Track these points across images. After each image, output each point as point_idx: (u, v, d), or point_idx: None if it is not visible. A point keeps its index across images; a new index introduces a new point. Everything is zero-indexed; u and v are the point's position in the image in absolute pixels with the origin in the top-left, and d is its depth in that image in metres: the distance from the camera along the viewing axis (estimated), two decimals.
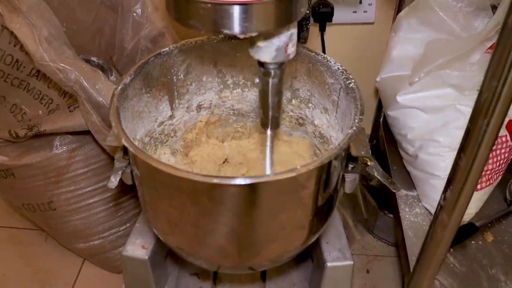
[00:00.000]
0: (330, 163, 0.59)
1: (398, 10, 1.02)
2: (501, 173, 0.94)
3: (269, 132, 0.67)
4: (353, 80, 0.70)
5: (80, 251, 1.05)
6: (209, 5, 0.49)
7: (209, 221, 0.61)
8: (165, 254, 0.89)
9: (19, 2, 0.78)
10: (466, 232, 0.89)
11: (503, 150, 0.89)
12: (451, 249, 0.88)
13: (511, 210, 0.94)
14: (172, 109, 0.84)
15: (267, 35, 0.56)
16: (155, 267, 0.84)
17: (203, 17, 0.51)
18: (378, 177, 0.73)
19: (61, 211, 0.98)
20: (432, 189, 0.92)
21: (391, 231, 1.11)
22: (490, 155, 0.88)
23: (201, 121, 0.89)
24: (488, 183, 0.90)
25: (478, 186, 0.90)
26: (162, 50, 0.76)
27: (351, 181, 0.74)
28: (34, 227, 1.14)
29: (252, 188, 0.55)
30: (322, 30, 1.06)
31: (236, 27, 0.51)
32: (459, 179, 0.62)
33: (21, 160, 0.92)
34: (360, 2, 1.04)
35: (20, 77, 0.91)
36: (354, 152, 0.70)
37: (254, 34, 0.53)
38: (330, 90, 0.76)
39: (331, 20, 1.05)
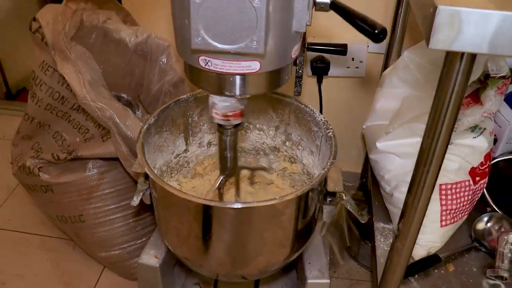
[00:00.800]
0: (305, 195, 0.76)
1: (384, 68, 1.19)
2: (466, 212, 1.08)
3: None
4: (331, 130, 0.87)
5: (102, 259, 1.22)
6: (214, 74, 0.67)
7: (206, 235, 0.78)
8: (173, 264, 1.05)
9: (70, 52, 0.98)
10: (430, 262, 1.03)
11: (466, 193, 1.04)
12: (416, 276, 1.02)
13: (473, 246, 1.08)
14: (186, 144, 1.02)
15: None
16: (164, 275, 1.01)
17: (210, 82, 0.69)
18: (350, 209, 0.90)
19: (89, 224, 1.15)
20: None
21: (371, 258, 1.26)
22: (454, 197, 1.04)
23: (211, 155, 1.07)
24: (452, 220, 1.05)
25: (443, 223, 1.05)
26: (181, 97, 0.95)
27: (328, 211, 0.90)
28: (64, 237, 1.31)
29: (239, 211, 0.72)
30: (320, 82, 1.24)
31: (239, 90, 0.69)
32: (408, 214, 0.78)
33: (59, 179, 1.10)
34: (353, 59, 1.21)
35: (64, 110, 1.10)
36: (330, 188, 0.86)
37: (247, 96, 0.70)
38: (315, 137, 0.93)
39: (327, 74, 1.22)
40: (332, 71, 1.23)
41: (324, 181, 0.85)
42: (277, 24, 0.62)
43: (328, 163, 0.80)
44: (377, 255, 1.05)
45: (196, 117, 1.00)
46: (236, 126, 0.78)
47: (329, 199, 0.90)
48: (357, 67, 1.22)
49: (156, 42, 1.13)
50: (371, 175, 1.24)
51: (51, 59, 1.02)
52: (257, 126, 1.04)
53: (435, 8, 0.52)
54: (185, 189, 1.02)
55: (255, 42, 0.60)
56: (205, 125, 1.03)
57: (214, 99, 0.73)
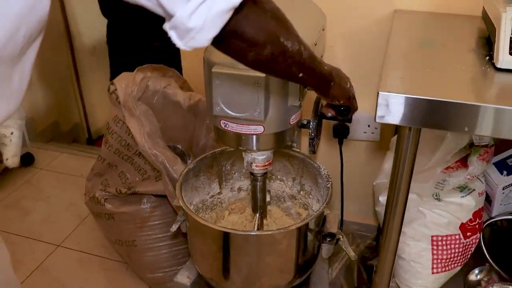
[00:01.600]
0: (298, 230, 0.96)
1: (395, 133, 1.39)
2: (458, 264, 1.23)
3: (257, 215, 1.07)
4: (330, 182, 1.08)
5: (148, 280, 1.46)
6: (232, 133, 0.92)
7: (223, 257, 1.00)
8: (203, 285, 1.27)
9: (136, 110, 1.27)
10: None
11: (456, 246, 1.20)
12: None
13: None
14: (220, 188, 1.26)
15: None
16: None
17: (230, 140, 0.94)
18: (344, 248, 1.08)
19: (140, 248, 1.40)
20: (401, 269, 1.23)
21: None
22: (444, 248, 1.20)
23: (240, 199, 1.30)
24: (444, 269, 1.21)
25: (434, 270, 1.20)
26: (216, 150, 1.20)
27: (326, 249, 1.10)
28: (120, 260, 1.58)
29: (246, 237, 0.94)
30: (340, 144, 1.45)
31: (251, 146, 0.93)
32: (382, 253, 0.96)
33: (120, 209, 1.37)
34: (369, 126, 1.42)
35: (128, 154, 1.39)
36: (326, 229, 1.07)
37: (256, 151, 0.94)
38: (320, 187, 1.14)
39: (347, 137, 1.44)
40: (351, 135, 1.44)
41: (320, 221, 1.05)
42: (275, 99, 0.86)
43: (321, 207, 1.01)
44: None
45: (228, 166, 1.24)
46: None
47: (328, 239, 1.10)
48: (372, 132, 1.43)
49: (204, 105, 1.40)
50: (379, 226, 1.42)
51: (122, 115, 1.32)
52: (278, 177, 1.26)
53: (378, 92, 0.74)
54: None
55: (257, 112, 0.84)
56: (236, 173, 1.26)
57: (255, 155, 0.98)
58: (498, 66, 0.82)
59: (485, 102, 0.71)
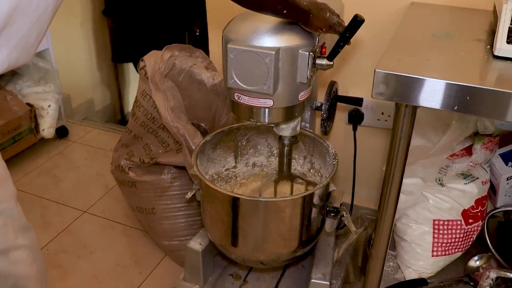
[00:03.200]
0: (302, 199, 1.03)
1: None
2: (459, 249, 1.28)
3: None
4: (336, 160, 1.14)
5: (164, 247, 1.56)
6: (244, 106, 0.99)
7: (230, 220, 1.08)
8: (214, 253, 1.35)
9: (161, 85, 1.36)
10: (417, 283, 1.23)
11: (458, 231, 1.25)
12: None
13: (462, 280, 1.26)
14: (235, 162, 1.34)
15: (286, 122, 1.05)
16: (205, 259, 1.30)
17: (243, 112, 1.01)
18: (346, 224, 1.15)
19: (159, 216, 1.50)
20: (402, 250, 1.29)
21: None
22: (446, 232, 1.25)
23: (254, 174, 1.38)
24: (444, 253, 1.26)
25: (434, 253, 1.25)
26: (233, 125, 1.28)
27: (330, 223, 1.16)
28: (140, 227, 1.68)
29: (253, 203, 1.02)
30: (355, 129, 1.51)
31: (261, 119, 1.00)
32: (379, 227, 1.02)
33: (142, 177, 1.47)
34: (382, 113, 1.47)
35: (153, 127, 1.48)
36: (330, 204, 1.13)
37: (271, 124, 1.01)
38: (328, 165, 1.21)
39: (361, 123, 1.50)
40: (365, 121, 1.50)
41: (325, 195, 1.11)
42: (284, 75, 0.93)
43: (324, 181, 1.08)
44: None
45: (244, 142, 1.32)
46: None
47: (332, 214, 1.16)
48: (386, 120, 1.48)
49: None
50: None
51: (149, 89, 1.41)
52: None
53: (374, 70, 0.81)
54: None
55: (266, 86, 0.92)
56: (251, 149, 1.34)
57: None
58: (496, 53, 0.87)
59: (471, 83, 0.76)
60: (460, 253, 1.28)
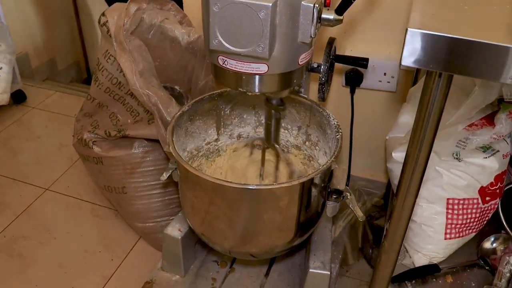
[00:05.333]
0: (301, 185, 0.85)
1: (414, 83, 1.26)
2: (474, 230, 1.13)
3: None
4: (340, 133, 0.96)
5: (138, 229, 1.37)
6: (231, 72, 0.79)
7: (215, 209, 0.90)
8: (195, 240, 1.18)
9: (127, 45, 1.14)
10: (429, 270, 1.09)
11: (474, 211, 1.09)
12: (413, 281, 1.08)
13: (477, 263, 1.12)
14: (218, 134, 1.15)
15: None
16: (185, 247, 1.13)
17: (229, 79, 0.81)
18: (351, 207, 0.98)
19: (130, 196, 1.31)
20: (411, 232, 1.13)
21: None
22: (460, 213, 1.09)
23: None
24: (457, 235, 1.11)
25: (447, 236, 1.10)
26: (215, 92, 1.08)
27: (331, 207, 0.99)
28: (111, 206, 1.49)
29: (242, 191, 0.84)
30: (352, 92, 1.32)
31: (253, 88, 0.81)
32: (395, 217, 0.85)
33: (109, 153, 1.27)
34: (385, 74, 1.29)
35: (120, 94, 1.27)
36: (332, 185, 0.96)
37: (258, 93, 0.82)
38: (328, 139, 1.03)
39: (360, 85, 1.31)
40: (365, 83, 1.31)
41: (327, 176, 0.94)
42: (282, 34, 0.73)
43: (329, 161, 0.90)
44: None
45: (228, 111, 1.13)
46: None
47: (334, 196, 0.99)
48: (388, 82, 1.30)
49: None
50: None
51: (113, 50, 1.19)
52: (283, 125, 1.14)
53: (406, 29, 0.61)
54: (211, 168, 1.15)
55: (261, 47, 0.72)
56: (236, 119, 1.15)
57: None
58: None
59: None
60: (474, 234, 1.14)
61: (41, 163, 1.69)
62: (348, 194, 0.98)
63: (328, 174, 0.94)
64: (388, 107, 1.35)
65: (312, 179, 0.86)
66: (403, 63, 0.64)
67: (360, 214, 0.97)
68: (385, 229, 0.90)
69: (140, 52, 1.17)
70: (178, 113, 1.00)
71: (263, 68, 0.77)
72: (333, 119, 1.00)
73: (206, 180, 0.83)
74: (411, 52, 0.62)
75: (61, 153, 1.73)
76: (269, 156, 1.15)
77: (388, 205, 1.26)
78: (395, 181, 1.17)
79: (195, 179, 0.87)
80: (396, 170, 1.16)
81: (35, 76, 2.37)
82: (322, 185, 0.93)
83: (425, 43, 0.60)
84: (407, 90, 1.30)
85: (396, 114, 1.28)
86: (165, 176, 1.00)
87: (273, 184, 0.83)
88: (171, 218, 1.35)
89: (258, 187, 0.82)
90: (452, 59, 0.60)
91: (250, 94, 0.83)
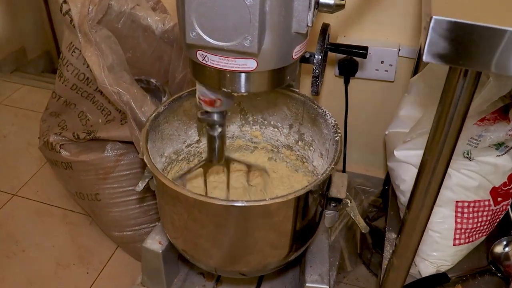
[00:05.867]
0: (297, 199, 0.74)
1: (414, 73, 1.14)
2: (484, 233, 1.03)
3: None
4: (339, 134, 0.85)
5: (115, 238, 1.25)
6: (212, 69, 0.66)
7: (199, 229, 0.78)
8: (178, 252, 1.06)
9: (93, 36, 1.00)
10: (437, 281, 0.99)
11: (485, 213, 0.99)
12: None
13: (488, 269, 1.02)
14: (199, 135, 1.02)
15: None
16: (167, 261, 1.02)
17: (210, 77, 0.69)
18: (353, 217, 0.87)
19: (104, 203, 1.18)
20: None
21: None
22: (470, 216, 0.99)
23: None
24: (467, 240, 1.00)
25: (457, 242, 1.00)
26: (193, 88, 0.94)
27: (330, 217, 0.89)
28: (83, 212, 1.36)
29: (229, 209, 0.72)
30: (347, 82, 1.21)
31: (238, 87, 0.68)
32: (406, 231, 0.74)
33: (78, 157, 1.14)
34: (382, 62, 1.17)
35: (89, 91, 1.13)
36: (332, 194, 0.84)
37: (245, 93, 0.69)
38: (325, 139, 0.91)
39: (354, 75, 1.19)
40: (360, 72, 1.19)
41: (326, 185, 0.83)
42: (274, 23, 0.61)
43: (329, 168, 0.78)
44: (382, 267, 1.02)
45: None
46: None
47: (333, 205, 0.88)
48: (386, 71, 1.18)
49: None
50: (391, 183, 1.20)
51: (78, 41, 1.05)
52: (272, 123, 1.02)
53: (431, 18, 0.49)
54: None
55: (248, 40, 0.59)
56: None
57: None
58: None
59: None
60: (483, 238, 1.04)
61: (7, 165, 1.55)
62: (349, 202, 0.87)
63: (327, 183, 0.82)
64: (386, 98, 1.24)
65: (308, 192, 0.75)
66: (425, 59, 0.51)
67: (363, 224, 0.86)
68: (394, 245, 0.79)
69: (109, 44, 1.04)
70: (153, 114, 0.87)
71: (251, 64, 0.64)
72: (330, 117, 0.89)
73: (187, 197, 0.71)
74: (435, 46, 0.50)
75: (29, 154, 1.59)
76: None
77: (389, 206, 1.16)
78: (397, 181, 1.06)
79: (174, 194, 0.74)
80: (398, 170, 1.05)
81: (2, 68, 2.21)
82: (320, 193, 0.82)
83: (455, 35, 0.48)
84: (407, 79, 1.18)
85: (394, 106, 1.17)
86: (140, 186, 0.88)
87: (265, 200, 0.71)
88: (151, 225, 1.23)
89: (248, 204, 0.70)
90: (489, 54, 0.48)
91: (235, 95, 0.70)
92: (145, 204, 1.20)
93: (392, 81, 1.20)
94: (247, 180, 1.00)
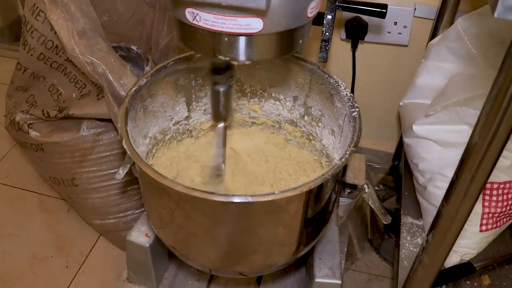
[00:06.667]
0: (310, 191, 0.61)
1: (432, 36, 1.00)
2: (511, 217, 0.92)
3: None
4: (357, 109, 0.71)
5: (97, 226, 1.12)
6: (205, 32, 0.52)
7: (190, 227, 0.65)
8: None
9: None
10: (462, 272, 0.88)
11: None
12: (444, 286, 0.87)
13: None
14: (188, 110, 0.88)
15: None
16: (155, 255, 0.89)
17: (201, 42, 0.54)
18: (372, 206, 0.75)
19: (82, 188, 1.05)
20: None
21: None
22: (500, 199, 0.87)
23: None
24: (494, 225, 0.89)
25: (483, 228, 0.88)
26: (182, 55, 0.80)
27: (345, 205, 0.76)
28: (61, 197, 1.22)
29: (228, 205, 0.59)
30: (354, 47, 1.07)
31: (239, 55, 0.54)
32: (441, 226, 0.62)
33: (50, 138, 0.99)
34: (395, 24, 1.03)
35: (59, 61, 0.98)
36: (349, 179, 0.71)
37: (247, 62, 0.55)
38: (338, 114, 0.78)
39: (363, 38, 1.05)
40: (369, 35, 1.05)
41: (342, 171, 0.70)
42: None
43: (348, 152, 0.65)
44: (400, 256, 0.90)
45: (200, 80, 0.85)
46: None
47: (348, 191, 0.76)
48: (399, 33, 1.04)
49: None
50: (405, 160, 1.08)
51: (42, 3, 0.89)
52: (273, 95, 0.89)
53: None
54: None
55: None
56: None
57: None
58: None
59: None
60: (510, 222, 0.93)
61: None
62: (366, 187, 0.75)
63: (343, 168, 0.69)
64: (399, 64, 1.10)
65: (325, 181, 0.61)
66: (498, 14, 0.38)
67: (385, 215, 0.74)
68: (424, 241, 0.66)
69: (79, 5, 0.88)
70: (133, 88, 0.73)
71: (256, 24, 0.50)
72: (345, 89, 0.75)
73: (177, 191, 0.58)
74: None
75: None
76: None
77: (403, 186, 1.03)
78: (414, 160, 0.93)
79: (160, 186, 0.61)
80: (416, 147, 0.92)
81: None
82: (336, 180, 0.69)
83: None
84: (423, 43, 1.05)
85: (408, 74, 1.04)
86: (121, 173, 0.75)
87: (273, 194, 0.57)
88: (136, 212, 1.10)
89: (252, 199, 0.57)
90: None
91: (235, 63, 0.56)
92: (129, 188, 1.07)
93: (406, 45, 1.07)
94: None
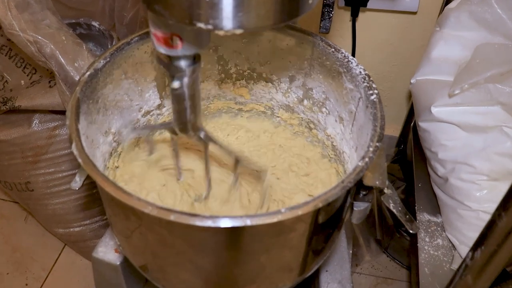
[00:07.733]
0: (320, 208, 0.46)
1: (448, 1, 0.85)
2: None
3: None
4: (376, 91, 0.56)
5: (60, 236, 0.96)
6: None
7: (171, 253, 0.50)
8: None
9: None
10: (497, 279, 0.74)
11: None
12: None
13: None
14: (161, 97, 0.72)
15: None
16: (128, 274, 0.75)
17: (174, 5, 0.38)
18: (394, 210, 0.61)
19: (39, 193, 0.88)
20: (460, 220, 0.77)
21: (406, 252, 0.98)
22: None
23: None
24: None
25: None
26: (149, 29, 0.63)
27: (360, 211, 0.62)
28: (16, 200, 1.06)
29: (216, 232, 0.43)
30: (354, 15, 0.92)
31: (217, 21, 0.38)
32: (493, 240, 0.48)
33: None
34: None
35: (1, 41, 0.81)
36: (367, 181, 0.57)
37: (238, 32, 0.39)
38: (348, 97, 0.62)
39: (365, 5, 0.90)
40: (372, 1, 0.90)
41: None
42: None
43: (371, 148, 0.50)
44: (420, 261, 0.77)
45: None
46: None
47: (363, 193, 0.61)
48: None
49: None
50: (415, 147, 0.94)
51: None
52: (264, 75, 0.73)
53: None
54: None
55: None
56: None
57: None
58: None
59: None
60: None
61: None
62: (385, 188, 0.60)
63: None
64: (407, 36, 0.95)
65: (339, 195, 0.46)
66: None
67: (410, 222, 0.59)
68: (468, 257, 0.52)
69: None
70: (87, 72, 0.56)
71: None
72: (357, 65, 0.59)
73: (148, 215, 0.42)
74: None
75: None
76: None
77: (415, 176, 0.90)
78: (433, 147, 0.79)
79: (126, 207, 0.45)
80: (435, 132, 0.78)
81: None
82: (354, 185, 0.54)
83: None
84: (436, 9, 0.90)
85: (417, 45, 0.89)
86: (78, 181, 0.60)
87: (279, 213, 0.42)
88: (105, 217, 0.94)
89: (251, 223, 0.41)
90: None
91: (221, 34, 0.40)
92: (94, 191, 0.91)
93: (415, 12, 0.91)
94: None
